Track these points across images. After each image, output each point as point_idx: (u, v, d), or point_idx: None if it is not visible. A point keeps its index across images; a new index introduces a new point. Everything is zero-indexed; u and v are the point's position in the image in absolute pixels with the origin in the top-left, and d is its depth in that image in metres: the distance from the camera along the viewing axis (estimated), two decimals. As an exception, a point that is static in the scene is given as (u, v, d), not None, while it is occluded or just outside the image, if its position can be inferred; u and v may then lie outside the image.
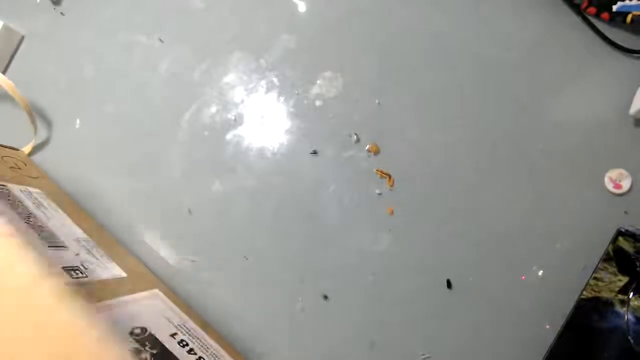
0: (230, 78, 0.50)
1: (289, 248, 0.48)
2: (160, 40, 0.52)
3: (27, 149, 0.52)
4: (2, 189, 0.39)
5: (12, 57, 0.54)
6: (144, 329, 0.36)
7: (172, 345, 0.36)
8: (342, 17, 0.50)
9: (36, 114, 0.53)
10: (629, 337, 0.42)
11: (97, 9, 0.53)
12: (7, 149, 0.49)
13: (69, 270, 0.36)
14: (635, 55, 0.45)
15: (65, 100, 0.53)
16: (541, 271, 0.44)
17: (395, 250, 0.46)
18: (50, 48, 0.54)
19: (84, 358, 0.25)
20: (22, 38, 0.54)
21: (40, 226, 0.38)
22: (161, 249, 0.49)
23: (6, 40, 0.52)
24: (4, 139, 0.52)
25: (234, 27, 0.51)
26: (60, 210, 0.44)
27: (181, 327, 0.40)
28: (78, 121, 0.52)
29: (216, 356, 0.40)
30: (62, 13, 0.54)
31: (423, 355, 0.45)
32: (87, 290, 0.35)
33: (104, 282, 0.38)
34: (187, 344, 0.38)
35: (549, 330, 0.43)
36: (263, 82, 0.50)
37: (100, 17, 0.53)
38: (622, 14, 0.44)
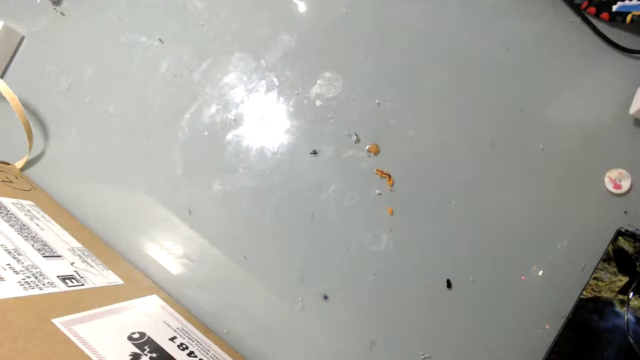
0: (230, 78, 0.50)
1: (289, 248, 0.48)
2: (160, 40, 0.52)
3: (19, 164, 0.51)
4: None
5: (12, 57, 0.54)
6: (142, 334, 0.36)
7: (171, 349, 0.36)
8: (342, 17, 0.50)
9: (34, 115, 0.53)
10: (629, 337, 0.42)
11: (97, 9, 0.53)
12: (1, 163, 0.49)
13: (64, 279, 0.36)
14: (635, 55, 0.45)
15: (64, 101, 0.53)
16: (541, 271, 0.44)
17: (395, 250, 0.46)
18: (50, 48, 0.54)
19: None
20: (22, 38, 0.54)
21: (33, 237, 0.38)
22: (161, 250, 0.49)
23: (6, 40, 0.52)
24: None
25: (234, 28, 0.51)
26: (53, 222, 0.44)
27: (180, 331, 0.40)
28: (77, 122, 0.52)
29: (217, 358, 0.40)
30: (62, 13, 0.54)
31: (423, 355, 0.45)
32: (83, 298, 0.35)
33: (100, 290, 0.38)
34: (186, 347, 0.38)
35: (549, 330, 0.43)
36: (263, 83, 0.50)
37: (100, 18, 0.53)
38: (622, 14, 0.44)
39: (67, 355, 0.28)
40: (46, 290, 0.32)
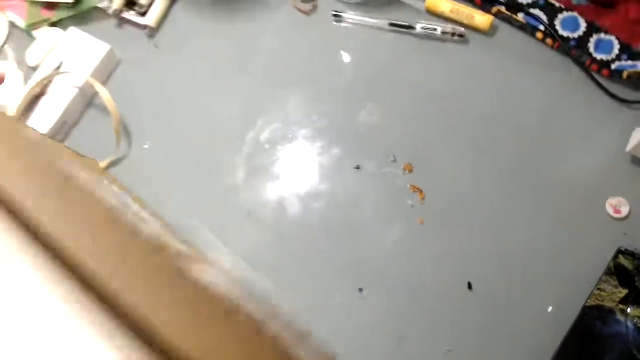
0: (291, 104, 0.60)
1: (330, 248, 0.54)
2: (236, 73, 0.62)
3: (104, 163, 0.60)
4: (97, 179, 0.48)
5: (109, 78, 0.64)
6: None
7: None
8: (384, 66, 0.61)
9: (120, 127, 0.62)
10: (629, 344, 0.48)
11: (186, 43, 0.64)
12: (88, 158, 0.58)
13: None
14: (632, 105, 0.54)
15: (147, 121, 0.62)
16: (550, 282, 0.51)
17: (423, 255, 0.53)
18: (142, 75, 0.64)
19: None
20: (120, 62, 0.64)
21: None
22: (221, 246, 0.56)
23: (108, 62, 0.63)
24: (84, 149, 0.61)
25: (298, 67, 0.62)
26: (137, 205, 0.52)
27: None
28: (154, 138, 0.61)
29: None
30: (156, 46, 0.65)
31: (447, 349, 0.50)
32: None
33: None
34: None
35: (556, 334, 0.49)
36: (317, 110, 0.60)
37: (188, 51, 0.64)
38: (619, 71, 0.54)
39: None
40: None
